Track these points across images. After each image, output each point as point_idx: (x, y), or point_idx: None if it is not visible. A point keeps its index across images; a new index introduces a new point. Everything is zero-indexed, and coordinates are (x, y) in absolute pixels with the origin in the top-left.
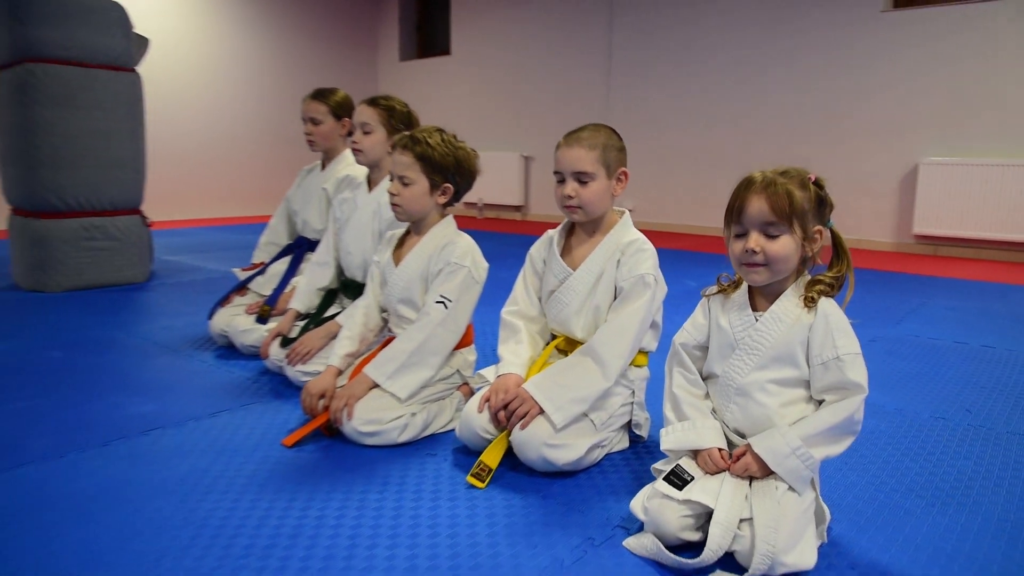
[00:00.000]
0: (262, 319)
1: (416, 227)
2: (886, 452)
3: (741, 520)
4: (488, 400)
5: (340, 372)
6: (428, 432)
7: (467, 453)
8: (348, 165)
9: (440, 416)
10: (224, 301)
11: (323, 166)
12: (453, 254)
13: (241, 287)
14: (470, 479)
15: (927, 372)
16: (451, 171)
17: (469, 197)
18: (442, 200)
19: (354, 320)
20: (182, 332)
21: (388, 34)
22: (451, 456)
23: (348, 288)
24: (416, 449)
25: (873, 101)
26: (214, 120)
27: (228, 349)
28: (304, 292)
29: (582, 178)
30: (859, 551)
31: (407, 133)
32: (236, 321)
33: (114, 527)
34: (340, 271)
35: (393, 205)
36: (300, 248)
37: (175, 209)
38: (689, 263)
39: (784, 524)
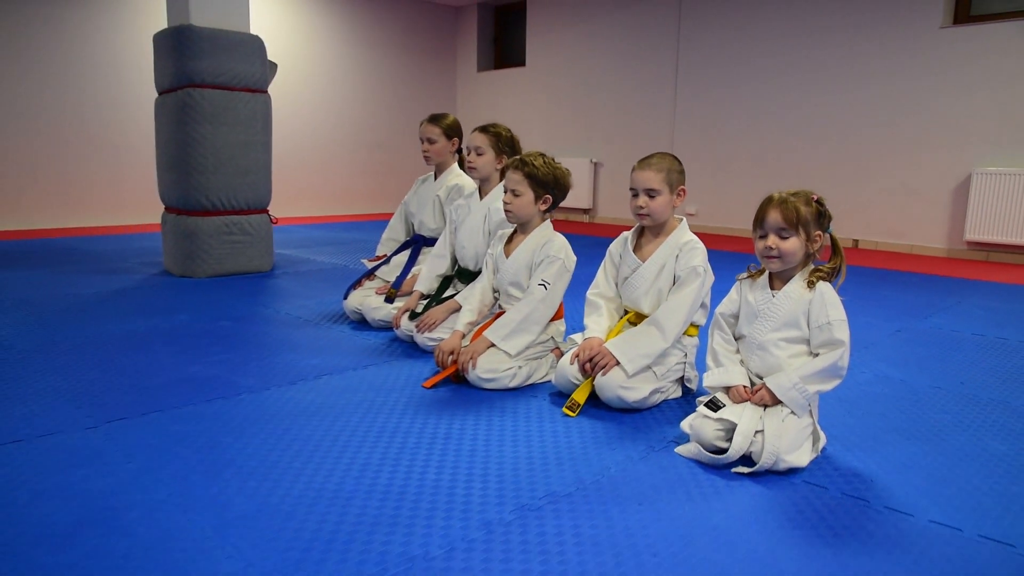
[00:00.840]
0: (389, 299)
1: (523, 228)
2: (882, 406)
3: (756, 432)
4: (578, 355)
5: (463, 336)
6: (530, 381)
7: (560, 396)
8: (456, 176)
9: (539, 370)
10: (356, 284)
11: (435, 176)
12: (551, 249)
13: (369, 274)
14: (565, 410)
15: (938, 355)
16: (550, 186)
17: None
18: (543, 208)
19: (474, 297)
20: (316, 310)
21: (467, 46)
22: (549, 398)
23: (461, 275)
24: (522, 393)
25: (929, 112)
26: (315, 129)
27: (359, 323)
28: (426, 277)
29: (651, 193)
30: (843, 462)
31: (518, 157)
32: (368, 301)
33: (322, 430)
34: (455, 261)
35: (506, 211)
36: (417, 243)
37: (276, 209)
38: (742, 261)
39: (786, 435)
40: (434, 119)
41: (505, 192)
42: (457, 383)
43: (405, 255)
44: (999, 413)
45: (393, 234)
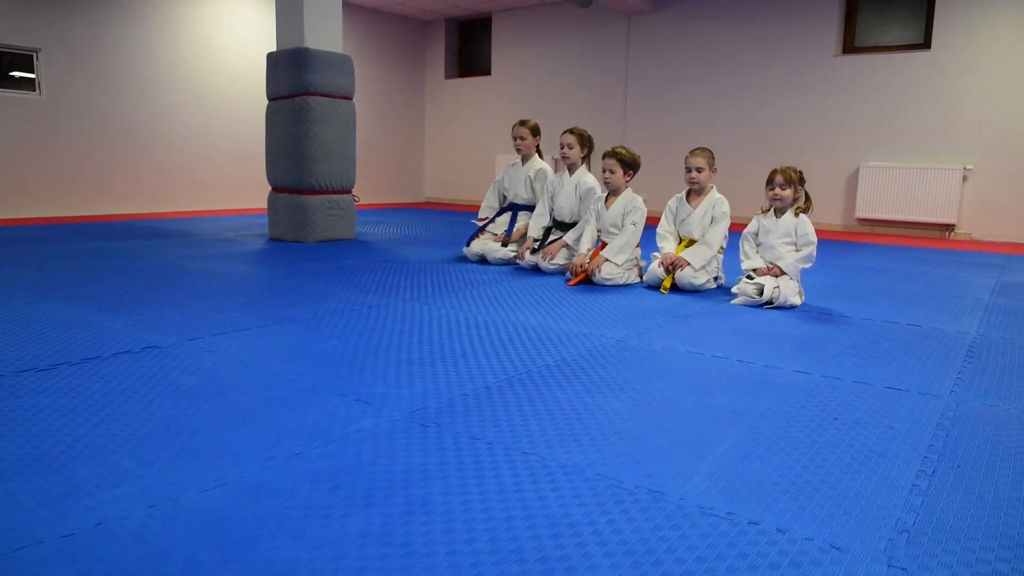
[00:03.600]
0: (504, 244)
1: (615, 192)
2: (818, 294)
3: (774, 287)
4: (661, 261)
5: (584, 255)
6: (630, 282)
7: (650, 289)
8: (539, 163)
9: (632, 277)
10: (475, 236)
11: (523, 163)
12: (635, 203)
13: (481, 230)
14: (661, 289)
15: (845, 280)
16: (632, 165)
17: None
18: (627, 179)
19: (588, 235)
20: (436, 256)
21: (435, 56)
22: (644, 291)
23: (558, 225)
24: (628, 288)
25: (826, 119)
26: None
27: (479, 262)
28: (535, 227)
29: (698, 169)
30: (813, 304)
31: (612, 149)
32: (488, 246)
33: (521, 303)
34: (551, 218)
35: (606, 182)
36: (513, 209)
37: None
38: None
39: (789, 288)
40: (523, 123)
41: (604, 171)
42: (586, 283)
43: (506, 217)
44: (863, 291)
45: (490, 203)
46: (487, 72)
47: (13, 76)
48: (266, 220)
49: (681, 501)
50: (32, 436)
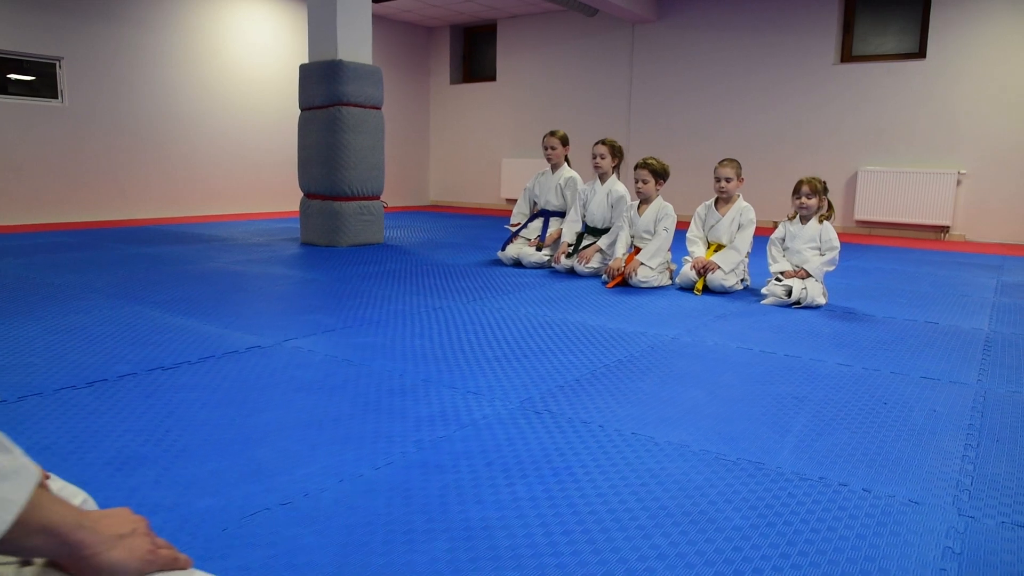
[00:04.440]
0: (538, 249)
1: (646, 200)
2: (836, 295)
3: (801, 288)
4: (693, 265)
5: (620, 259)
6: (663, 284)
7: (683, 290)
8: (569, 171)
9: (664, 279)
10: (509, 241)
11: (553, 171)
12: (666, 211)
13: (515, 235)
14: (695, 291)
15: (854, 278)
16: (662, 175)
17: (514, 194)
18: (659, 187)
19: (622, 241)
20: (464, 261)
21: (440, 62)
22: (678, 292)
23: (591, 231)
24: (662, 290)
25: (827, 125)
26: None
27: (515, 266)
28: (568, 233)
29: (727, 179)
30: (834, 303)
31: (643, 160)
32: (524, 250)
33: (562, 305)
34: (584, 224)
35: (638, 191)
36: (545, 215)
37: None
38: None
39: (815, 289)
40: (553, 133)
41: (636, 181)
42: (624, 285)
43: (538, 222)
44: (879, 292)
45: (521, 209)
46: (492, 78)
47: (35, 84)
48: (288, 224)
49: (779, 469)
50: (199, 426)
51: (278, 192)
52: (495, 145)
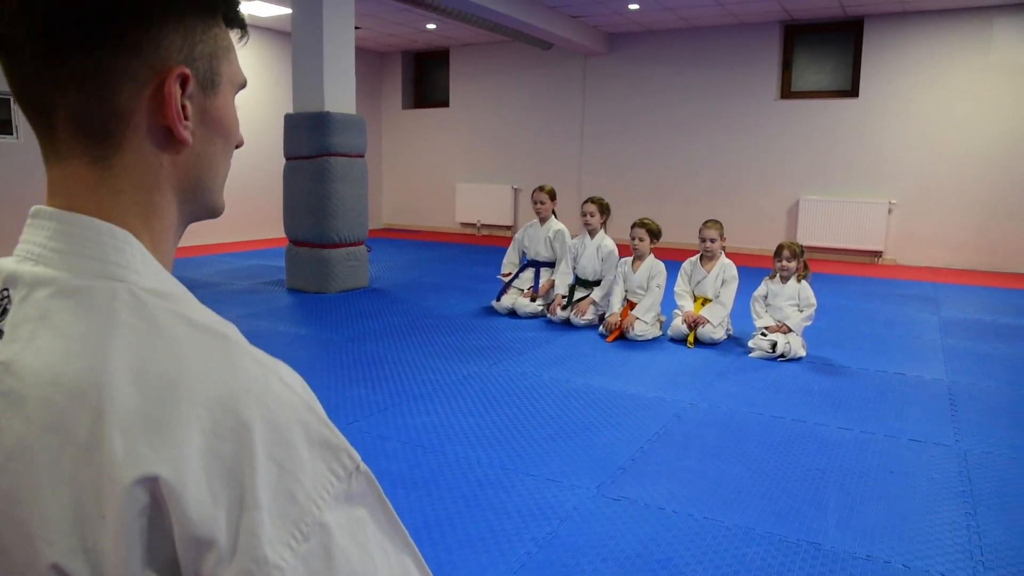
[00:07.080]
0: (532, 299)
1: (640, 258)
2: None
3: (785, 343)
4: (684, 319)
5: (616, 314)
6: (656, 336)
7: (675, 342)
8: (557, 224)
9: (656, 329)
10: (503, 291)
11: (541, 223)
12: (658, 268)
13: (508, 285)
14: (688, 344)
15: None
16: (656, 235)
17: (469, 218)
18: (653, 246)
19: (617, 296)
20: (459, 309)
21: (392, 87)
22: (670, 344)
23: (581, 282)
24: (658, 342)
25: (770, 157)
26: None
27: (510, 315)
28: (561, 285)
29: (712, 240)
30: (812, 352)
31: (640, 220)
32: (519, 300)
33: (564, 364)
34: (575, 276)
35: (634, 248)
36: (536, 265)
37: (230, 234)
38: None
39: (796, 343)
40: (541, 188)
41: (632, 239)
42: (621, 339)
43: (530, 273)
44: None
45: (510, 259)
46: (445, 103)
47: None
48: (268, 262)
49: (834, 549)
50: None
51: (252, 221)
52: (449, 170)
